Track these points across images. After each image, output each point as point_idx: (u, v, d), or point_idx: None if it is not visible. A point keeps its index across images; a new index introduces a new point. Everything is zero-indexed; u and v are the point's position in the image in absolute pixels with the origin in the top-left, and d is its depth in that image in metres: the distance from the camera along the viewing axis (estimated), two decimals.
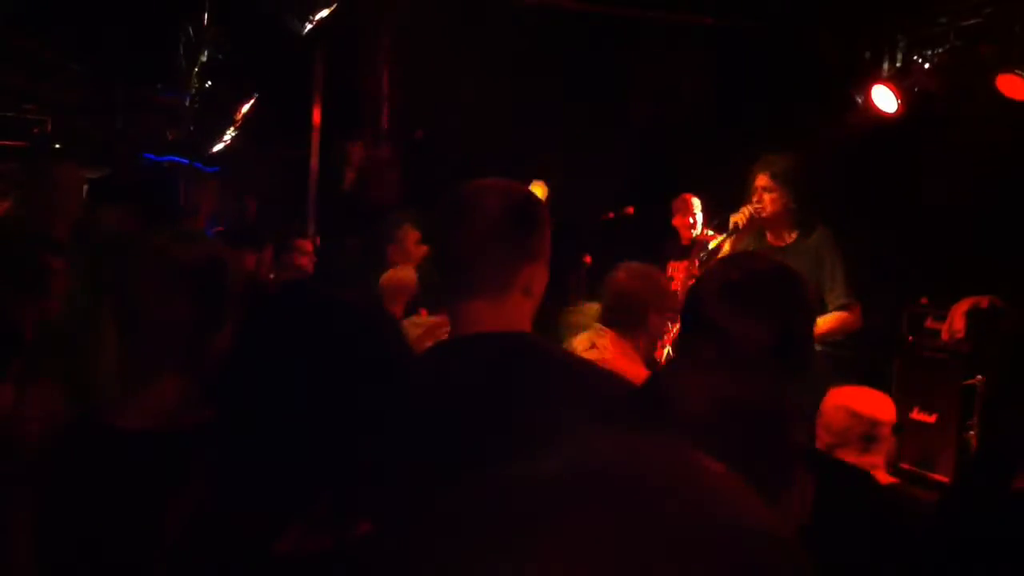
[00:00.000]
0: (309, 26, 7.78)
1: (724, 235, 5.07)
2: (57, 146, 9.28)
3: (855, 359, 5.11)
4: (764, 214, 4.87)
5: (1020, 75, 5.64)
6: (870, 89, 6.48)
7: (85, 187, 7.67)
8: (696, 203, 6.96)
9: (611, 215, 7.28)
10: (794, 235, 4.90)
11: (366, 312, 1.59)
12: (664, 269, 6.99)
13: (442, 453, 1.73)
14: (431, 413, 1.88)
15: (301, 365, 1.45)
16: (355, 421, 1.44)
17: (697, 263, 5.39)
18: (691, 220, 6.92)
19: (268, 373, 1.46)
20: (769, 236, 4.94)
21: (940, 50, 6.27)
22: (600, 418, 1.85)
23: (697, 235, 6.80)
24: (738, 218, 4.91)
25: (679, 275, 6.74)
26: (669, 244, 6.96)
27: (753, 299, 1.93)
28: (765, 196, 4.86)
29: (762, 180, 4.86)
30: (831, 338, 4.74)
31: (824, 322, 4.54)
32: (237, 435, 1.45)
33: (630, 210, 7.22)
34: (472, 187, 2.08)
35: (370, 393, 1.47)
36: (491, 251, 1.99)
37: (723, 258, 3.95)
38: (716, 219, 5.27)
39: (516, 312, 2.03)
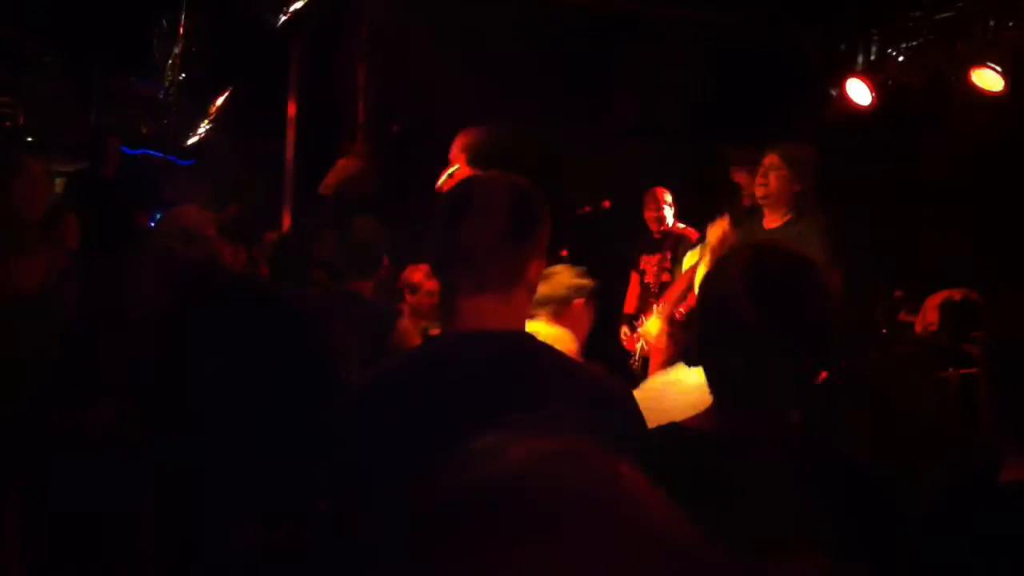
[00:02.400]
0: (284, 17, 7.73)
1: (699, 247, 5.04)
2: (29, 139, 9.21)
3: None
4: (767, 191, 4.87)
5: (994, 69, 5.66)
6: (845, 82, 6.50)
7: (57, 180, 7.63)
8: (667, 196, 6.96)
9: (588, 209, 7.28)
10: (788, 218, 4.90)
11: (300, 311, 1.57)
12: (638, 263, 7.00)
13: (426, 452, 1.72)
14: (422, 412, 1.86)
15: (243, 363, 1.43)
16: (297, 421, 1.43)
17: (669, 256, 5.40)
18: (660, 213, 6.93)
19: (211, 372, 1.44)
20: (767, 215, 4.96)
21: (915, 43, 6.29)
22: (598, 423, 1.85)
23: (668, 227, 6.82)
24: (712, 233, 4.88)
25: (651, 268, 6.76)
26: (642, 238, 6.97)
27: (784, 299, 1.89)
28: (771, 175, 4.87)
29: (771, 159, 4.87)
30: None
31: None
32: (183, 436, 1.43)
33: (606, 204, 7.22)
34: (479, 181, 2.08)
35: (308, 393, 1.46)
36: (502, 247, 1.98)
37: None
38: (695, 219, 5.26)
39: (521, 308, 2.03)
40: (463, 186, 2.08)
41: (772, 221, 4.93)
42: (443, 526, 0.56)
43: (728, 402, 1.91)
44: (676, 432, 1.93)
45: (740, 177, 6.63)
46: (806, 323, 1.87)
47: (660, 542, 0.58)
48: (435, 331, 4.28)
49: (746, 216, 4.98)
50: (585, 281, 3.73)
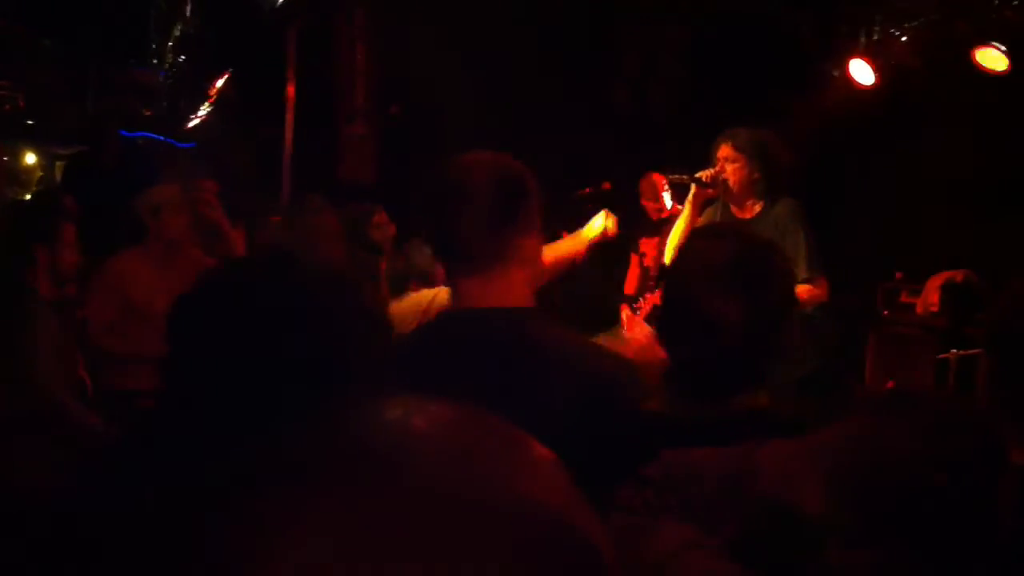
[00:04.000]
0: (281, 0, 7.70)
1: (691, 188, 4.95)
2: (29, 122, 9.19)
3: (830, 333, 5.10)
4: (728, 185, 4.81)
5: (998, 48, 5.61)
6: (847, 63, 6.45)
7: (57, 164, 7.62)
8: (663, 182, 6.93)
9: (587, 190, 7.24)
10: (759, 206, 4.85)
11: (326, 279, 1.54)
12: (637, 246, 6.97)
13: None
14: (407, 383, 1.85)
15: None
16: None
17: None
18: (659, 202, 6.89)
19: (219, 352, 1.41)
20: (734, 208, 4.89)
21: (916, 23, 6.24)
22: (591, 397, 1.85)
23: (668, 212, 6.78)
24: (703, 174, 4.84)
25: (651, 251, 6.72)
26: (642, 220, 6.94)
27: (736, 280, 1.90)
28: (727, 167, 4.81)
29: (724, 151, 4.81)
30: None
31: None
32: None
33: (607, 186, 7.18)
34: (461, 162, 2.09)
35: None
36: (485, 227, 2.00)
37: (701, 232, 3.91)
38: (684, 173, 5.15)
39: (516, 285, 2.04)
40: (444, 169, 2.09)
41: (743, 212, 4.88)
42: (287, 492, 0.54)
43: (688, 388, 1.91)
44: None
45: (644, 201, 6.68)
46: (762, 307, 1.87)
47: (517, 506, 0.55)
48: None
49: (722, 207, 4.92)
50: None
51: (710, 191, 4.82)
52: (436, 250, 2.16)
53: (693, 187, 4.84)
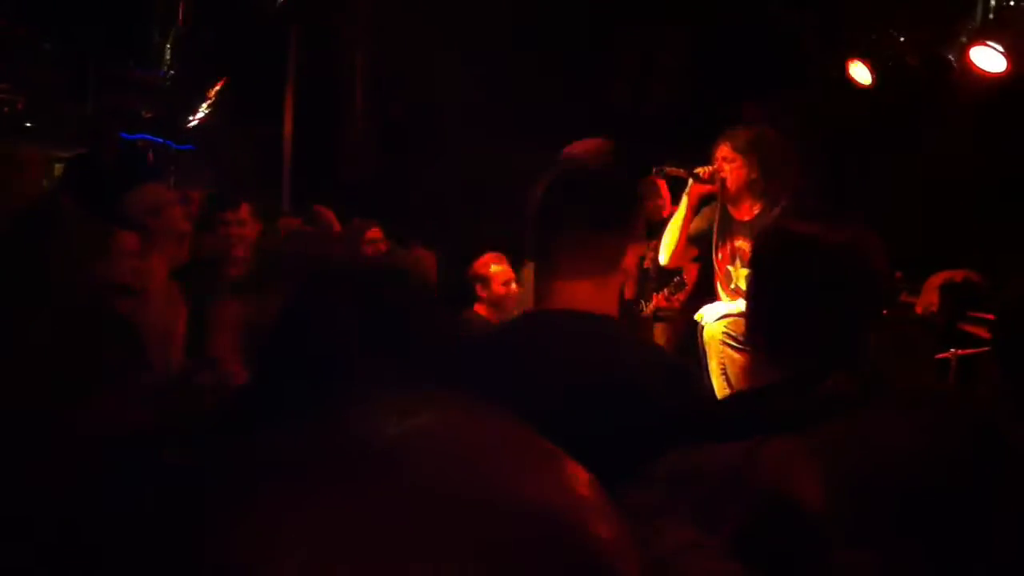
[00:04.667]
0: (281, 1, 7.71)
1: (688, 182, 4.93)
2: (28, 125, 9.20)
3: None
4: (725, 185, 4.78)
5: (994, 48, 5.62)
6: (847, 64, 6.46)
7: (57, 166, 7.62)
8: (664, 184, 6.91)
9: None
10: (757, 208, 4.81)
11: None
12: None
13: None
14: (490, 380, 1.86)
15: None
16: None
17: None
18: (661, 202, 6.88)
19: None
20: (731, 210, 4.86)
21: (914, 23, 6.25)
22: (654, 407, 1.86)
23: (667, 214, 6.77)
24: (700, 170, 4.81)
25: (651, 254, 6.70)
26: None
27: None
28: (725, 167, 4.78)
29: (723, 151, 4.78)
30: None
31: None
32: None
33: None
34: (578, 171, 2.13)
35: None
36: (605, 235, 2.02)
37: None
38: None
39: (614, 292, 2.06)
40: (559, 174, 2.09)
41: (742, 213, 4.85)
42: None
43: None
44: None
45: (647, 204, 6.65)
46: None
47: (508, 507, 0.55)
48: None
49: (721, 207, 4.90)
50: None
51: (707, 187, 4.80)
52: (539, 250, 2.10)
53: (690, 182, 4.83)
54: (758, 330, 2.00)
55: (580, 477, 0.60)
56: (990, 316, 4.64)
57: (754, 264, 2.05)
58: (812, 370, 1.87)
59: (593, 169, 2.11)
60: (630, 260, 2.06)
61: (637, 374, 1.90)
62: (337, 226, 6.05)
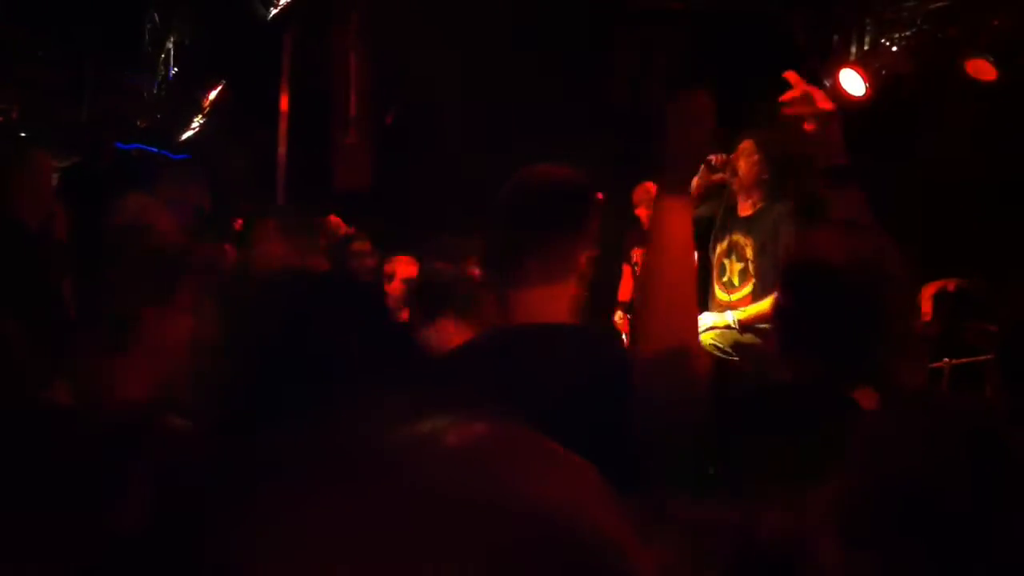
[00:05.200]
0: (275, 10, 7.71)
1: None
2: (23, 134, 9.18)
3: None
4: (738, 176, 4.83)
5: (988, 60, 5.64)
6: (838, 72, 6.47)
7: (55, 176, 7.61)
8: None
9: None
10: (759, 206, 4.87)
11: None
12: (630, 256, 6.97)
13: None
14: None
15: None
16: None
17: None
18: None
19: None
20: (740, 198, 4.92)
21: (908, 33, 6.26)
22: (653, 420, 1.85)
23: None
24: (713, 156, 4.83)
25: (643, 261, 6.72)
26: (633, 231, 6.93)
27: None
28: (742, 159, 4.83)
29: (745, 144, 4.83)
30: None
31: (766, 301, 4.52)
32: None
33: (599, 196, 7.18)
34: (529, 175, 2.08)
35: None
36: (556, 241, 2.00)
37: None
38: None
39: (568, 299, 2.03)
40: (512, 182, 2.08)
41: (744, 208, 4.89)
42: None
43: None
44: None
45: (640, 211, 6.64)
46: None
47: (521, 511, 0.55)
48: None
49: (724, 207, 4.94)
50: None
51: (716, 177, 4.83)
52: (490, 260, 2.12)
53: (701, 168, 4.84)
54: (783, 333, 2.03)
55: (587, 476, 0.60)
56: (984, 326, 4.67)
57: (784, 272, 2.09)
58: (831, 374, 1.90)
59: (543, 172, 2.08)
60: (585, 265, 2.04)
61: (608, 386, 1.89)
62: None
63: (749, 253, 4.80)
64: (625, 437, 1.74)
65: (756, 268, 4.76)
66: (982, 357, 4.44)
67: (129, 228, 4.11)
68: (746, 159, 4.82)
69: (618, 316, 6.83)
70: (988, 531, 1.64)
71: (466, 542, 0.52)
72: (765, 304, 4.53)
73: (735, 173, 4.81)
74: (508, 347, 2.01)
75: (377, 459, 0.56)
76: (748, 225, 4.83)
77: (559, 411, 1.78)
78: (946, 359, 4.77)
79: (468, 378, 1.92)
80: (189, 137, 9.46)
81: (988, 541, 1.63)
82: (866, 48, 6.46)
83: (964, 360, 4.70)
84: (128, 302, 2.02)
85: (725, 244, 4.87)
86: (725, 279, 4.85)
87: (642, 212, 6.96)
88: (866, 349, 1.93)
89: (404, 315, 6.04)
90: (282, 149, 8.78)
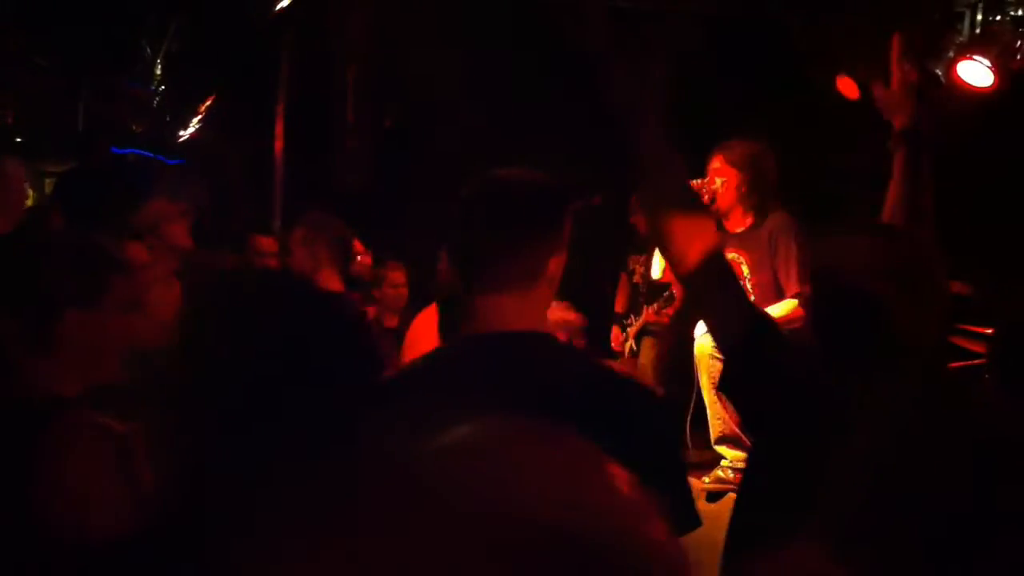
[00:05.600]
0: (271, 14, 7.71)
1: None
2: (19, 139, 9.18)
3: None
4: (717, 197, 4.84)
5: (981, 63, 5.63)
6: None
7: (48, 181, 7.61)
8: None
9: (578, 205, 7.22)
10: (750, 219, 4.88)
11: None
12: (626, 263, 6.96)
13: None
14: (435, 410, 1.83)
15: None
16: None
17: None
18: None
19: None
20: (724, 222, 4.92)
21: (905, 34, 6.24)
22: (608, 424, 1.83)
23: None
24: (692, 182, 4.85)
25: (640, 269, 6.70)
26: (630, 238, 6.93)
27: None
28: (717, 179, 4.84)
29: (716, 162, 4.85)
30: (786, 328, 4.73)
31: (776, 312, 4.53)
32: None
33: (596, 200, 7.18)
34: (498, 178, 2.05)
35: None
36: (524, 245, 1.97)
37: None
38: None
39: (541, 305, 2.01)
40: (480, 184, 2.05)
41: (733, 225, 4.90)
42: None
43: None
44: None
45: (635, 219, 6.63)
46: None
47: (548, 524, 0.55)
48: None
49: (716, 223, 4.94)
50: (572, 317, 3.69)
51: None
52: (458, 263, 2.07)
53: None
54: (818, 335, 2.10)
55: (623, 480, 0.60)
56: (976, 328, 4.67)
57: (813, 274, 2.18)
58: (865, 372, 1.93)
59: (514, 175, 2.05)
60: (555, 271, 2.01)
61: (579, 402, 1.82)
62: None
63: (745, 270, 4.82)
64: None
65: (753, 284, 4.78)
66: (976, 361, 4.45)
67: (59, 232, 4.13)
68: (721, 177, 4.84)
69: (614, 334, 6.72)
70: (989, 534, 1.66)
71: (483, 546, 0.53)
72: (781, 306, 4.59)
73: (714, 194, 4.83)
74: (472, 358, 1.98)
75: (392, 467, 0.57)
76: (740, 241, 4.85)
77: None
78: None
79: (435, 390, 1.89)
80: (186, 141, 9.45)
81: (989, 543, 1.65)
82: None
83: (958, 364, 4.71)
84: (50, 304, 2.00)
85: None
86: None
87: (639, 220, 6.96)
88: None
89: (394, 321, 6.06)
90: (279, 153, 8.77)
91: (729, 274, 2.28)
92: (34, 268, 2.03)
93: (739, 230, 4.90)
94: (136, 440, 1.83)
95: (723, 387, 2.32)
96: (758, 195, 4.85)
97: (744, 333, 2.14)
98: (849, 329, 2.02)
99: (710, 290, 2.20)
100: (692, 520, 1.82)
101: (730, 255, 4.81)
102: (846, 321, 2.02)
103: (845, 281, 2.05)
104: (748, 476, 2.27)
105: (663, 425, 1.96)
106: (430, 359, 2.14)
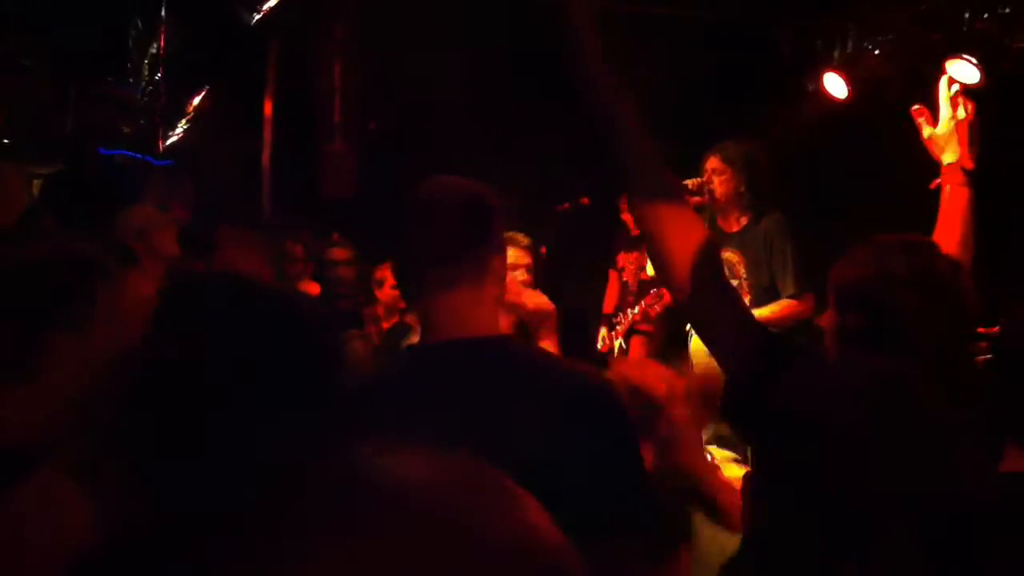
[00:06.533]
0: (257, 16, 7.69)
1: None
2: (6, 141, 9.13)
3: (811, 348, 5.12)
4: (714, 197, 4.86)
5: (969, 61, 5.65)
6: (821, 76, 6.49)
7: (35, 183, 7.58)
8: None
9: (567, 206, 7.25)
10: (745, 220, 4.90)
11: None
12: (616, 261, 6.97)
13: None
14: (401, 422, 1.86)
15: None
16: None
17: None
18: None
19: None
20: (720, 221, 4.94)
21: (890, 37, 6.29)
22: (573, 425, 1.87)
23: None
24: (689, 182, 4.87)
25: (630, 267, 6.71)
26: (620, 235, 6.94)
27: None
28: (714, 179, 4.86)
29: (712, 163, 4.87)
30: (779, 326, 4.74)
31: (771, 310, 4.54)
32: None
33: (585, 201, 7.19)
34: (434, 185, 2.14)
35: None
36: (466, 244, 2.04)
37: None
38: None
39: (492, 302, 2.07)
40: (419, 192, 2.13)
41: (730, 225, 4.92)
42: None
43: None
44: None
45: (625, 216, 6.63)
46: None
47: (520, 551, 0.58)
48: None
49: (708, 220, 4.96)
50: (544, 302, 3.71)
51: (695, 199, 4.86)
52: (408, 270, 2.15)
53: None
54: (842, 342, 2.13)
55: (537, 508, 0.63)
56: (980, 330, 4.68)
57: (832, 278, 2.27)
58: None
59: (445, 182, 2.14)
60: (499, 268, 2.09)
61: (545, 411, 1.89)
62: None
63: (741, 270, 4.83)
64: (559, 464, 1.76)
65: (749, 284, 4.79)
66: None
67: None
68: (718, 177, 4.85)
69: (603, 334, 6.72)
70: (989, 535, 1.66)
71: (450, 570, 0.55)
72: (776, 306, 4.59)
73: (712, 194, 4.84)
74: (432, 372, 2.03)
75: (381, 502, 0.58)
76: (737, 241, 4.86)
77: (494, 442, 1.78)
78: None
79: (396, 408, 1.93)
80: (173, 143, 9.43)
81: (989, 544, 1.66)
82: (849, 52, 6.48)
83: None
84: (33, 324, 1.78)
85: None
86: None
87: (628, 217, 6.96)
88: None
89: (394, 321, 6.04)
90: (267, 156, 8.76)
91: (730, 294, 2.27)
92: (15, 285, 1.81)
93: (735, 230, 4.92)
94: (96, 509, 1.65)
95: (726, 415, 2.31)
96: (754, 195, 4.87)
97: (750, 361, 2.13)
98: (883, 342, 2.05)
99: (712, 315, 2.19)
100: (659, 520, 1.87)
101: (727, 255, 4.82)
102: (880, 334, 2.06)
103: (877, 293, 2.08)
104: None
105: (626, 430, 1.97)
106: (396, 365, 2.26)
